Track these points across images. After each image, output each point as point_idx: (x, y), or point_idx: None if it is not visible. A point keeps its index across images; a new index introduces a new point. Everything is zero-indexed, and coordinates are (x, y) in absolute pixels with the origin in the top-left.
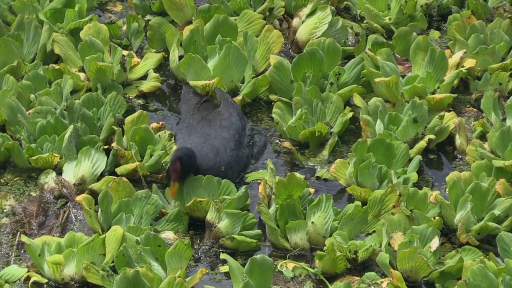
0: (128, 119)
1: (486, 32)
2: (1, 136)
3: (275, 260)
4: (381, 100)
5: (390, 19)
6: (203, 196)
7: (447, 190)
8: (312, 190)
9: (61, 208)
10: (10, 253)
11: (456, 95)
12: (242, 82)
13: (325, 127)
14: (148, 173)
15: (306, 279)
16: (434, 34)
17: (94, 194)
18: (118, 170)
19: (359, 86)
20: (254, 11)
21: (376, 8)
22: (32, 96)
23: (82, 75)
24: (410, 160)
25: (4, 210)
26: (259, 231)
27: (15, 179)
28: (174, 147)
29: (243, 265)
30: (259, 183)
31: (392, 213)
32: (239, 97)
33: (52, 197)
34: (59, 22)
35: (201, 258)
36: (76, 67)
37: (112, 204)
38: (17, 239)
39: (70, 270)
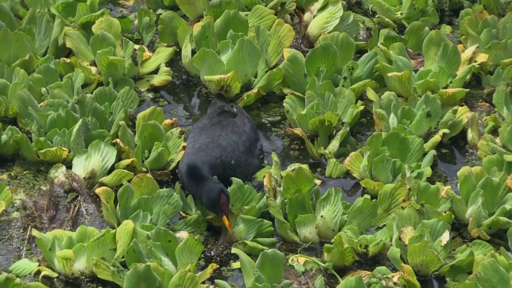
0: (140, 114)
1: (499, 26)
2: (10, 128)
3: (284, 254)
4: (394, 94)
5: (401, 13)
6: None
7: (458, 185)
8: (318, 182)
9: (71, 202)
10: (21, 247)
11: (468, 89)
12: (255, 77)
13: (335, 117)
14: (147, 169)
15: (317, 274)
16: (446, 29)
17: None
18: (117, 165)
19: (373, 81)
20: (266, 6)
21: (387, 3)
22: (43, 89)
23: (93, 69)
24: (424, 154)
25: (15, 204)
26: (274, 240)
27: (25, 172)
28: (183, 144)
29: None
30: (264, 176)
31: (402, 207)
32: (254, 90)
33: (62, 191)
34: (70, 16)
35: (213, 257)
36: (87, 61)
37: (132, 199)
38: (28, 233)
39: (80, 265)
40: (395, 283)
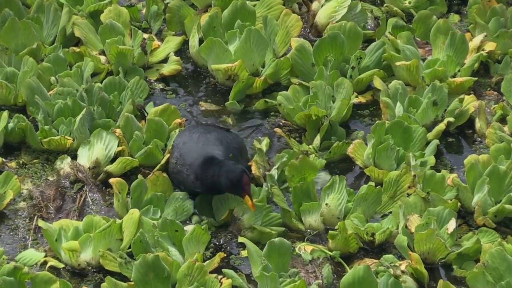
0: (153, 110)
1: (507, 15)
2: (17, 116)
3: (291, 242)
4: (401, 83)
5: (410, 2)
6: (233, 205)
7: (465, 173)
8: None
9: (77, 192)
10: (27, 237)
11: (476, 78)
12: (263, 67)
13: (321, 111)
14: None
15: (325, 262)
16: (454, 17)
17: (110, 176)
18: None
19: (380, 71)
20: None
21: None
22: (53, 78)
23: (102, 58)
24: (428, 144)
25: (22, 194)
26: (283, 228)
27: (34, 161)
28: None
29: None
30: (250, 165)
31: (408, 194)
32: (261, 78)
33: (68, 182)
34: (78, 4)
35: (222, 245)
36: (96, 50)
37: (146, 194)
38: (34, 223)
39: (86, 256)
40: (402, 271)
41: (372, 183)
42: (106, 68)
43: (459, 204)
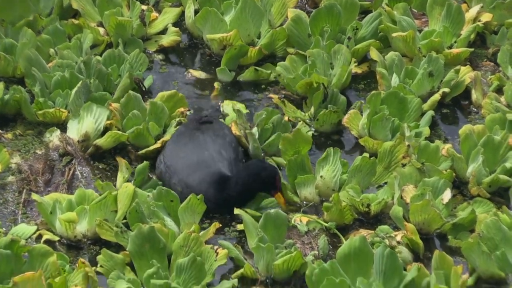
0: (160, 94)
1: None
2: (14, 88)
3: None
4: (398, 54)
5: None
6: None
7: (460, 144)
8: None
9: (66, 166)
10: (16, 211)
11: (473, 49)
12: (258, 38)
13: (322, 78)
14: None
15: (320, 233)
16: None
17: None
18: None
19: (377, 41)
20: None
21: None
22: (52, 50)
23: (101, 30)
24: (423, 114)
25: (10, 168)
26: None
27: (27, 131)
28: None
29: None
30: (231, 125)
31: (403, 165)
32: (257, 48)
33: (57, 155)
34: None
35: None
36: (94, 22)
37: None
38: (23, 197)
39: (82, 227)
40: (398, 242)
41: (367, 154)
42: (106, 40)
43: (454, 174)
